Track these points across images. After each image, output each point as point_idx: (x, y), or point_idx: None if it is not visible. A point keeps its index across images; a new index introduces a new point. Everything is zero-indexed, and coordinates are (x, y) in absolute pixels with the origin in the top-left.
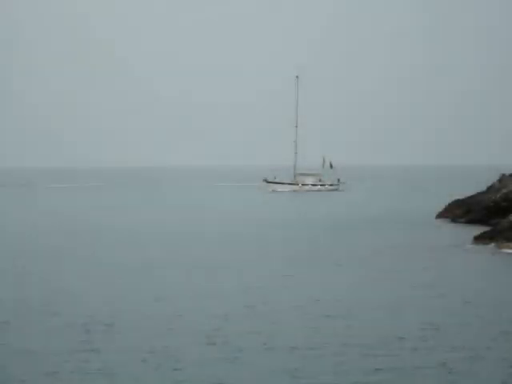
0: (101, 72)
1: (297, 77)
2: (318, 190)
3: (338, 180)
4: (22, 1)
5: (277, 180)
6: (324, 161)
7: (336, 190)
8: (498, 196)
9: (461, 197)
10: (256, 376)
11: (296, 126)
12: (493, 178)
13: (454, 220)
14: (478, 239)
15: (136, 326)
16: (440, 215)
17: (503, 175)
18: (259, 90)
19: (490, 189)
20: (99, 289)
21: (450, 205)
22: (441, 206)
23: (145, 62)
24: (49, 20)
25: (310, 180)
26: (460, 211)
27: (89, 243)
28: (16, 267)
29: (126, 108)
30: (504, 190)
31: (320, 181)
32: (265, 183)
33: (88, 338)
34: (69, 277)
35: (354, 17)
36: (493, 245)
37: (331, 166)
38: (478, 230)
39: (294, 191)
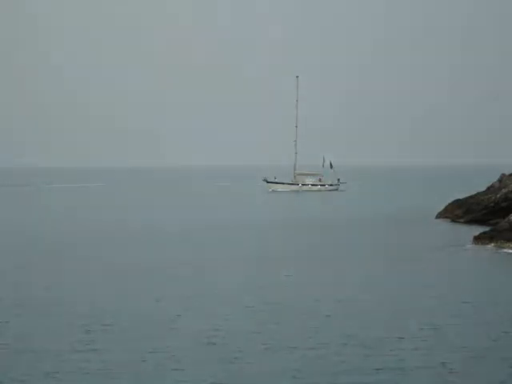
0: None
1: (297, 77)
2: (318, 190)
3: (338, 180)
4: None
5: (277, 180)
6: (324, 161)
7: (336, 189)
8: (498, 196)
9: (461, 197)
10: (256, 376)
11: (296, 126)
12: (493, 178)
13: (454, 220)
14: (478, 239)
15: (136, 326)
16: (440, 215)
17: (503, 175)
18: (259, 90)
19: (489, 189)
20: (99, 289)
21: (449, 205)
22: (441, 206)
23: (144, 62)
24: (62, 18)
25: (309, 180)
26: (460, 211)
27: (89, 243)
28: (16, 267)
29: (125, 108)
30: (504, 190)
31: (320, 181)
32: (265, 183)
33: (88, 337)
34: (69, 277)
35: (355, 17)
36: (493, 245)
37: (331, 166)
38: (478, 230)
39: (294, 191)
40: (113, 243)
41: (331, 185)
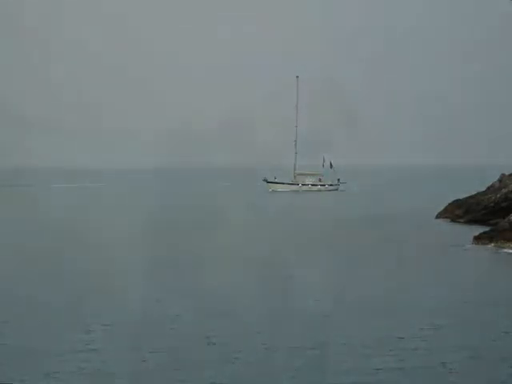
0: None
1: (297, 77)
2: (318, 190)
3: (338, 180)
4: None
5: (277, 180)
6: (324, 161)
7: (336, 189)
8: (498, 196)
9: (461, 197)
10: (256, 376)
11: (296, 126)
12: (493, 178)
13: (454, 220)
14: (478, 239)
15: (136, 326)
16: (440, 215)
17: (503, 175)
18: (259, 91)
19: (489, 189)
20: (99, 289)
21: (449, 205)
22: (441, 206)
23: (144, 65)
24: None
25: (309, 180)
26: (460, 211)
27: (89, 243)
28: (16, 267)
29: (125, 108)
30: (504, 190)
31: (320, 181)
32: (265, 183)
33: (88, 338)
34: (69, 277)
35: (355, 17)
36: (493, 245)
37: (331, 166)
38: (478, 230)
39: (294, 191)
40: (112, 243)
41: (331, 185)
